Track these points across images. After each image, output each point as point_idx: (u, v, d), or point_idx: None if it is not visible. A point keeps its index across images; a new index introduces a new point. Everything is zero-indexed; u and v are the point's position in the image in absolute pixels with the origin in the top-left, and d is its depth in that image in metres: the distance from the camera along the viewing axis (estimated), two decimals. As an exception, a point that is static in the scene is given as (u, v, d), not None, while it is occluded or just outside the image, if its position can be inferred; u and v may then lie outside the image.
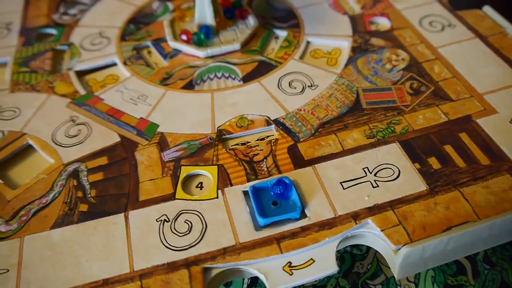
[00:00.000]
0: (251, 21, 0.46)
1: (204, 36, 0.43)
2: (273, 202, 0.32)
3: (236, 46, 0.43)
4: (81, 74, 0.43)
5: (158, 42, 0.45)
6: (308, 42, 0.45)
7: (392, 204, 0.31)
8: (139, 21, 0.48)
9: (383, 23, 0.46)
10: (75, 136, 0.37)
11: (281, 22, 0.47)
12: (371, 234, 0.31)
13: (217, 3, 0.44)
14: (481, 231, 0.30)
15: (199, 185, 0.34)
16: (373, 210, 0.31)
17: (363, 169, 0.34)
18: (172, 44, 0.44)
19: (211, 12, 0.43)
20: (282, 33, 0.46)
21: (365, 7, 0.48)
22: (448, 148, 0.35)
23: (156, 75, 0.42)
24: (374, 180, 0.33)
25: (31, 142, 0.37)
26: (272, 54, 0.44)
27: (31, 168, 0.36)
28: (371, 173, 0.33)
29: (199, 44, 0.43)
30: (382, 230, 0.30)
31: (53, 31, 0.48)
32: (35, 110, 0.40)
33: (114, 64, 0.44)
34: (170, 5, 0.50)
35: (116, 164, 0.35)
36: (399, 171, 0.33)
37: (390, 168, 0.34)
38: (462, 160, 0.34)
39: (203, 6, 0.43)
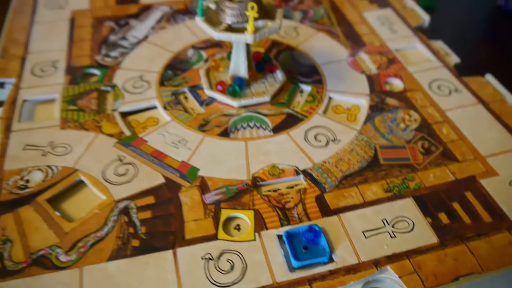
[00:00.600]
0: (279, 75, 0.51)
1: (238, 88, 0.48)
2: (305, 246, 0.36)
3: (267, 98, 0.48)
4: (124, 114, 0.47)
5: (195, 89, 0.50)
6: (330, 98, 0.50)
7: (408, 254, 0.36)
8: (176, 67, 0.53)
9: (397, 84, 0.52)
10: (123, 175, 0.41)
11: (306, 77, 0.52)
12: (390, 280, 0.35)
13: (251, 58, 0.49)
14: (484, 283, 0.35)
15: (237, 227, 0.38)
16: (392, 258, 0.36)
17: (382, 220, 0.38)
18: (208, 92, 0.49)
19: (245, 66, 0.48)
20: (306, 88, 0.51)
21: (381, 67, 0.54)
22: (456, 205, 0.40)
23: (194, 121, 0.47)
24: (392, 231, 0.38)
25: (83, 178, 0.41)
26: (298, 107, 0.49)
27: (83, 203, 0.40)
28: (389, 224, 0.38)
29: (233, 94, 0.48)
30: (400, 277, 0.34)
31: (96, 71, 0.52)
32: (85, 147, 0.44)
33: (154, 107, 0.48)
34: (204, 54, 0.55)
35: (163, 204, 0.39)
36: (413, 224, 0.38)
37: (406, 221, 0.38)
38: (468, 217, 0.39)
39: (238, 60, 0.48)
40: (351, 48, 0.57)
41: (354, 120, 0.48)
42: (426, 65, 0.54)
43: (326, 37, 0.58)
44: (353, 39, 0.58)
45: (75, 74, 0.51)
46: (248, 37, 0.43)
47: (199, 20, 0.45)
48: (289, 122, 0.47)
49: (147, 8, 0.62)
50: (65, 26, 0.59)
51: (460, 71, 0.54)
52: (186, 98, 0.50)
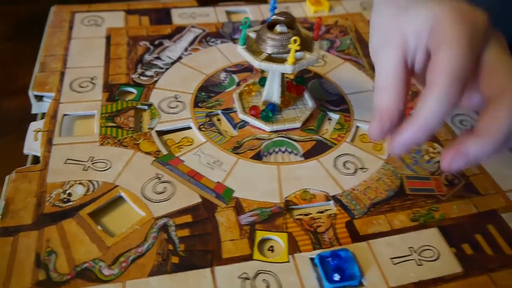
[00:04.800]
0: (310, 102, 0.53)
1: (271, 113, 0.50)
2: (336, 269, 0.38)
3: (298, 124, 0.50)
4: (160, 133, 0.49)
5: (228, 112, 0.52)
6: (357, 127, 0.52)
7: (435, 282, 0.38)
8: (209, 90, 0.55)
9: (421, 116, 0.54)
10: (161, 193, 0.43)
11: (333, 106, 0.54)
12: (417, 307, 0.37)
13: (285, 85, 0.51)
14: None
15: (271, 248, 0.40)
16: (419, 285, 0.38)
17: (409, 248, 0.40)
18: (242, 116, 0.51)
19: (279, 92, 0.50)
20: (335, 116, 0.53)
21: (405, 99, 0.56)
22: (479, 237, 0.42)
23: (228, 143, 0.49)
24: (418, 259, 0.39)
25: (123, 194, 0.43)
26: (326, 134, 0.51)
27: (124, 218, 0.42)
28: (415, 252, 0.40)
29: (266, 119, 0.50)
30: (427, 305, 0.36)
31: (133, 90, 0.54)
32: (124, 164, 0.46)
33: (189, 128, 0.51)
34: (236, 77, 0.57)
35: (200, 223, 0.41)
36: (439, 253, 0.40)
37: (431, 250, 0.40)
38: (490, 249, 0.41)
39: (272, 87, 0.50)
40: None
41: (380, 149, 0.50)
42: (449, 99, 0.57)
43: (353, 67, 0.61)
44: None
45: (112, 91, 0.54)
46: (288, 67, 0.45)
47: (240, 49, 0.47)
48: (319, 148, 0.49)
49: (180, 30, 0.65)
50: (102, 43, 0.61)
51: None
52: (219, 120, 0.52)
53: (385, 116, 0.33)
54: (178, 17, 0.67)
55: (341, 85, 0.57)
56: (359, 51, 0.64)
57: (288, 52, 0.45)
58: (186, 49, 0.61)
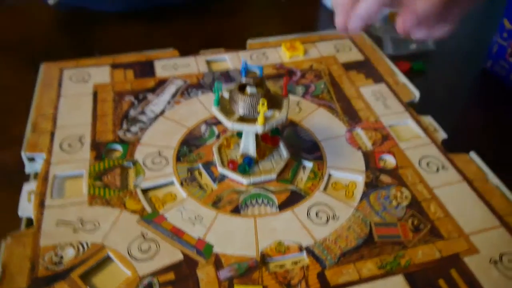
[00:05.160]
0: (284, 152, 0.57)
1: (248, 167, 0.53)
2: (308, 322, 0.41)
3: (273, 176, 0.54)
4: (145, 190, 0.53)
5: (208, 166, 0.56)
6: (330, 175, 0.56)
7: (399, 329, 0.41)
8: (190, 143, 0.59)
9: (390, 160, 0.58)
10: (146, 251, 0.47)
11: (308, 153, 0.58)
12: None
13: (259, 138, 0.55)
14: None
15: (248, 302, 0.43)
16: (384, 334, 0.41)
17: (376, 296, 0.44)
18: (221, 170, 0.54)
19: (254, 146, 0.54)
20: (308, 164, 0.57)
21: (376, 143, 0.60)
22: (442, 282, 0.45)
23: (208, 197, 0.52)
24: (385, 307, 0.43)
25: (110, 254, 0.46)
26: (301, 183, 0.54)
27: (112, 278, 0.45)
28: (382, 300, 0.43)
29: (243, 172, 0.54)
30: None
31: (119, 147, 0.58)
32: (111, 224, 0.49)
33: (172, 183, 0.54)
34: (216, 129, 0.61)
35: (183, 280, 0.44)
36: (404, 300, 0.43)
37: (397, 297, 0.44)
38: (452, 294, 0.44)
39: (248, 142, 0.54)
40: (348, 123, 0.63)
41: (351, 196, 0.53)
42: (416, 141, 0.60)
43: (326, 113, 0.64)
44: (350, 114, 0.64)
45: (100, 149, 0.57)
46: (258, 128, 0.48)
47: (214, 110, 0.51)
48: (294, 199, 0.52)
49: (163, 82, 0.68)
50: (89, 100, 0.65)
51: (447, 145, 0.59)
52: (200, 174, 0.55)
53: (343, 8, 0.41)
54: (161, 69, 0.71)
55: (315, 131, 0.61)
56: (332, 96, 0.67)
57: (258, 112, 0.49)
58: (168, 102, 0.65)
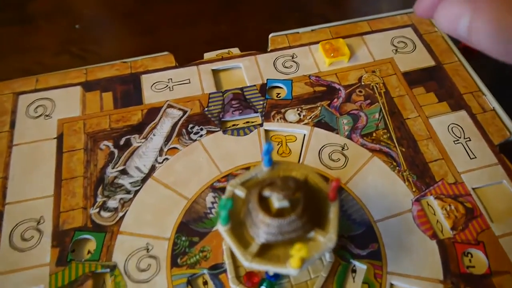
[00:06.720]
0: (327, 255, 0.39)
1: (274, 280, 0.37)
2: None
3: (311, 296, 0.37)
4: (128, 317, 0.37)
5: (216, 272, 0.39)
6: (391, 285, 0.38)
7: None
8: (191, 229, 0.42)
9: (479, 258, 0.40)
10: None
11: (359, 247, 0.40)
12: None
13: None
14: None
15: None
16: None
17: None
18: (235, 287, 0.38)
19: (282, 254, 0.36)
20: (361, 267, 0.39)
21: (456, 224, 0.41)
22: None
23: (217, 336, 0.36)
24: None
25: None
26: (351, 303, 0.37)
27: None
28: None
29: (268, 292, 0.37)
30: None
31: (91, 237, 0.41)
32: None
33: (166, 304, 0.38)
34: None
35: None
36: None
37: None
38: None
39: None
40: (415, 186, 0.44)
41: (424, 328, 0.37)
42: (517, 219, 0.41)
43: (383, 166, 0.45)
44: (418, 168, 0.45)
45: (64, 244, 0.41)
46: (291, 271, 0.31)
47: (224, 232, 0.33)
48: (341, 336, 0.36)
49: (153, 112, 0.50)
50: (52, 150, 0.47)
51: None
52: (206, 283, 0.39)
53: None
54: (150, 90, 0.51)
55: (368, 202, 0.43)
56: (391, 132, 0.47)
57: (292, 240, 0.31)
58: (160, 151, 0.46)
